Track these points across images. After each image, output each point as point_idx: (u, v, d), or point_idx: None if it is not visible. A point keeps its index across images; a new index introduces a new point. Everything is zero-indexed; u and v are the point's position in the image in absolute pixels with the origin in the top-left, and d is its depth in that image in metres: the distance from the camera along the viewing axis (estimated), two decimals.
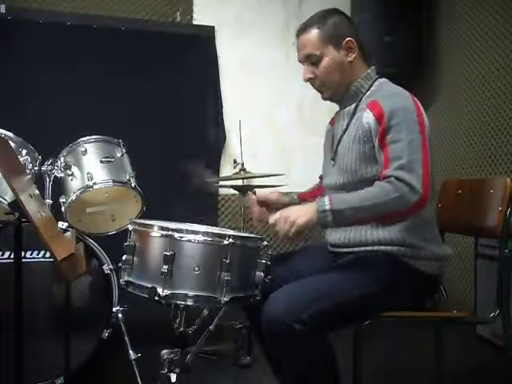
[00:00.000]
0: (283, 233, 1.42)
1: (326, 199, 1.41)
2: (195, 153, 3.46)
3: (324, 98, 1.68)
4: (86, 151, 2.22)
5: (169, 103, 3.42)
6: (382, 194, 1.40)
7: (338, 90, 1.64)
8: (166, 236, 1.34)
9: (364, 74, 1.62)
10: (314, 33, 1.58)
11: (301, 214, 1.42)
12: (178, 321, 1.47)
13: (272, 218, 1.45)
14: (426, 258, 1.53)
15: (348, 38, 1.58)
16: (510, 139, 2.88)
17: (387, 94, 1.55)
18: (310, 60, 1.60)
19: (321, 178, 1.92)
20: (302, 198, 1.85)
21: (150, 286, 1.34)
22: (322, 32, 1.57)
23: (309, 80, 1.64)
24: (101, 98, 3.22)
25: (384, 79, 1.64)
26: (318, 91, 1.67)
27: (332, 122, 1.78)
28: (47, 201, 2.18)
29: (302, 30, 1.61)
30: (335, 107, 1.79)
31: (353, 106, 1.63)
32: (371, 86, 1.61)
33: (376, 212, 1.41)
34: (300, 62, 1.64)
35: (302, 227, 1.41)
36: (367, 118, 1.52)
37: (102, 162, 2.23)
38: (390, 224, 1.53)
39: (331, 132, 1.75)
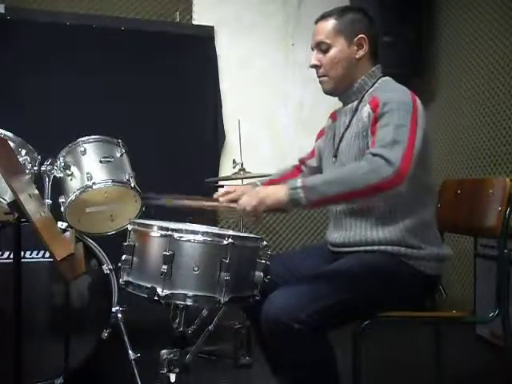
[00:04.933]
0: (249, 208, 1.38)
1: (299, 179, 1.40)
2: (195, 153, 3.47)
3: (324, 91, 1.68)
4: (85, 151, 2.22)
5: (168, 103, 3.42)
6: (355, 168, 1.37)
7: (339, 84, 1.64)
8: (166, 236, 1.34)
9: (369, 71, 1.63)
10: (330, 22, 1.60)
11: (270, 192, 1.39)
12: (177, 321, 1.47)
13: (240, 201, 1.41)
14: (426, 258, 1.53)
15: (361, 35, 1.59)
16: (509, 139, 2.88)
17: (388, 90, 1.57)
18: (320, 47, 1.62)
19: (300, 161, 1.93)
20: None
21: (149, 285, 1.34)
22: (338, 23, 1.59)
23: (314, 67, 1.65)
24: (100, 98, 3.22)
25: (388, 77, 1.65)
26: (320, 82, 1.67)
27: (333, 117, 1.78)
28: (46, 201, 2.18)
29: (321, 17, 1.63)
30: (334, 107, 1.79)
31: (355, 102, 1.63)
32: (375, 83, 1.62)
33: (350, 187, 1.34)
34: (312, 49, 1.66)
35: (270, 205, 1.37)
36: (366, 111, 1.53)
37: (101, 162, 2.23)
38: (390, 224, 1.53)
39: (332, 129, 1.75)
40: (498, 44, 2.98)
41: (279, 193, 1.38)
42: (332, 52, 1.60)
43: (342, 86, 1.64)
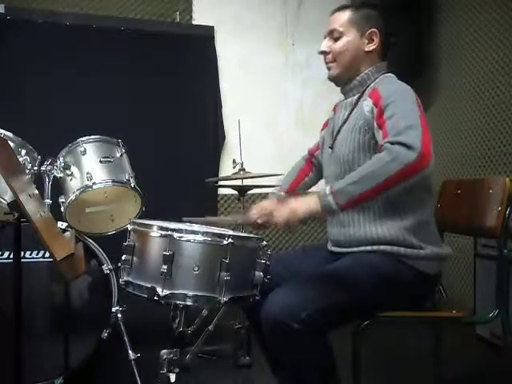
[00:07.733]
0: (282, 220, 1.38)
1: (327, 186, 1.39)
2: (195, 153, 3.47)
3: (329, 76, 1.70)
4: (85, 151, 2.22)
5: (168, 103, 3.42)
6: (377, 161, 1.35)
7: (344, 71, 1.66)
8: (166, 236, 1.34)
9: (374, 66, 1.64)
10: (346, 13, 1.65)
11: (301, 204, 1.39)
12: (177, 321, 1.47)
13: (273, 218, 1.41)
14: (426, 257, 1.53)
15: (373, 29, 1.63)
16: (509, 139, 2.88)
17: (388, 83, 1.58)
18: (332, 35, 1.65)
19: (309, 152, 1.97)
20: (289, 191, 1.86)
21: (149, 285, 1.34)
22: (354, 15, 1.64)
23: (322, 53, 1.68)
24: (100, 98, 3.22)
25: (390, 74, 1.66)
26: (327, 68, 1.69)
27: (335, 110, 1.80)
28: (46, 201, 2.18)
29: (338, 8, 1.68)
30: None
31: (355, 97, 1.65)
32: (376, 78, 1.63)
33: (375, 181, 1.32)
34: (324, 37, 1.69)
35: (302, 216, 1.37)
36: (367, 106, 1.54)
37: (101, 162, 2.23)
38: (388, 221, 1.53)
39: (332, 121, 1.76)
40: (497, 44, 2.98)
41: (310, 203, 1.38)
42: (343, 40, 1.63)
43: (347, 74, 1.66)
